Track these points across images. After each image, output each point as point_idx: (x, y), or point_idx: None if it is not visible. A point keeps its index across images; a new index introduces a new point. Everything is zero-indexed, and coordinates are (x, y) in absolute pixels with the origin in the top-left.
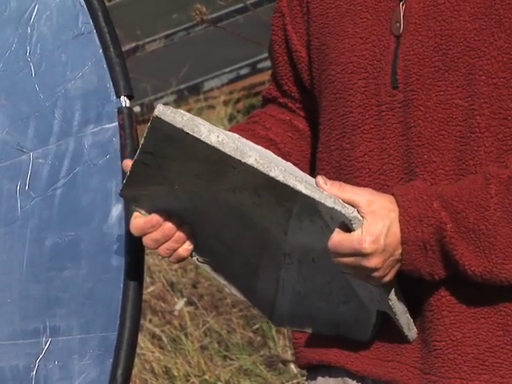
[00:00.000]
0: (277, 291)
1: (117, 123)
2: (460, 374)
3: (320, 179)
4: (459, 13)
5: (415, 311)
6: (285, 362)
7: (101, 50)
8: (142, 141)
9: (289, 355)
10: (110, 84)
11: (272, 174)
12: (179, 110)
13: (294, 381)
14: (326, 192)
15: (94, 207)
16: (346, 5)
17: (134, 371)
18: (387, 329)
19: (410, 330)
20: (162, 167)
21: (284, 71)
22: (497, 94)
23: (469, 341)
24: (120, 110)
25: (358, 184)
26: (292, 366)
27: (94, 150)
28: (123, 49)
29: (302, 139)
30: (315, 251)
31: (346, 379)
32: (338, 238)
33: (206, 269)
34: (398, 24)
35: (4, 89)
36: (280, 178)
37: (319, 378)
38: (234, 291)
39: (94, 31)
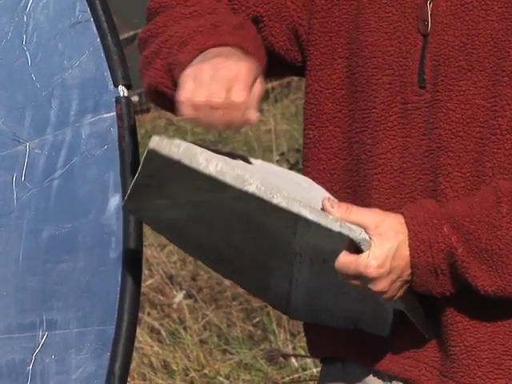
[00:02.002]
0: (291, 287)
1: (115, 113)
2: (475, 379)
3: (326, 202)
4: (487, 12)
5: (431, 315)
6: (285, 356)
7: (98, 39)
8: (140, 166)
9: (290, 349)
10: (107, 73)
11: (275, 201)
12: (174, 140)
13: (295, 375)
14: (333, 215)
15: (91, 198)
16: None
17: (132, 365)
18: (405, 325)
19: (428, 330)
20: (162, 187)
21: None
22: None
23: (483, 345)
24: (118, 100)
25: (378, 180)
26: (293, 360)
27: (92, 140)
28: (121, 37)
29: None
30: (325, 252)
31: (362, 374)
32: (344, 259)
33: (218, 271)
34: (426, 22)
35: (0, 78)
36: (283, 204)
37: (334, 370)
38: (249, 290)
39: (92, 19)
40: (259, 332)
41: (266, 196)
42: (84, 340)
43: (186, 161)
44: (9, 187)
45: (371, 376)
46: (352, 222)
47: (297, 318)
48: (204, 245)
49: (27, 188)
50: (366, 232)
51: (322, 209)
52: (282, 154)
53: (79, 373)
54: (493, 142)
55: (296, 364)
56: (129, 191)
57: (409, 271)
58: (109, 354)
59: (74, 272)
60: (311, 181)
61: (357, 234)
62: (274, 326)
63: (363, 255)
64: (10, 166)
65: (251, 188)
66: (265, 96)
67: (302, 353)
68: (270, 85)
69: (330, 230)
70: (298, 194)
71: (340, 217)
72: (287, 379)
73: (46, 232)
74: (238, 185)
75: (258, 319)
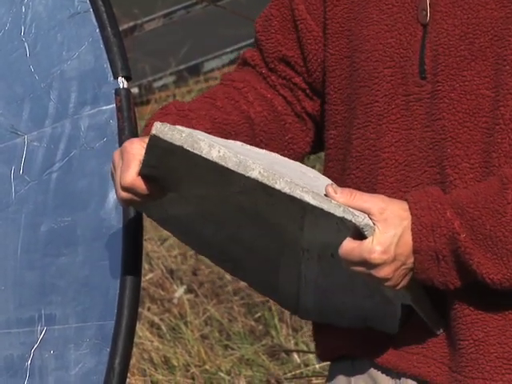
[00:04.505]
0: (299, 286)
1: (114, 105)
2: (483, 374)
3: (329, 188)
4: (486, 0)
5: (439, 308)
6: (287, 352)
7: (98, 30)
8: (143, 156)
9: (292, 344)
10: (107, 64)
11: (277, 187)
12: (177, 127)
13: (297, 371)
14: (336, 201)
15: (90, 192)
16: None
17: (132, 361)
18: (413, 321)
19: (436, 324)
20: (167, 178)
21: (275, 48)
22: None
23: (492, 339)
24: (117, 92)
25: (383, 175)
26: (295, 355)
27: (91, 132)
28: (121, 28)
29: (275, 122)
30: (333, 247)
31: (371, 371)
32: (348, 246)
33: (226, 270)
34: (425, 12)
35: None
36: (286, 190)
37: (342, 370)
38: (256, 289)
39: (91, 10)
40: (261, 327)
41: (269, 181)
42: (83, 335)
43: (188, 146)
44: (7, 180)
45: (380, 373)
46: (356, 208)
47: (306, 317)
48: (210, 242)
49: (25, 181)
50: (370, 218)
51: (326, 195)
52: None
53: (78, 368)
54: (497, 131)
55: (298, 359)
56: None
57: (412, 259)
58: (108, 349)
59: (73, 266)
60: (317, 172)
61: (360, 220)
62: (276, 321)
63: (367, 241)
64: (8, 158)
65: (254, 173)
66: None
67: (304, 348)
68: None
69: (333, 216)
70: (303, 181)
71: (344, 202)
72: (289, 375)
73: (44, 226)
74: (240, 170)
75: (259, 314)
